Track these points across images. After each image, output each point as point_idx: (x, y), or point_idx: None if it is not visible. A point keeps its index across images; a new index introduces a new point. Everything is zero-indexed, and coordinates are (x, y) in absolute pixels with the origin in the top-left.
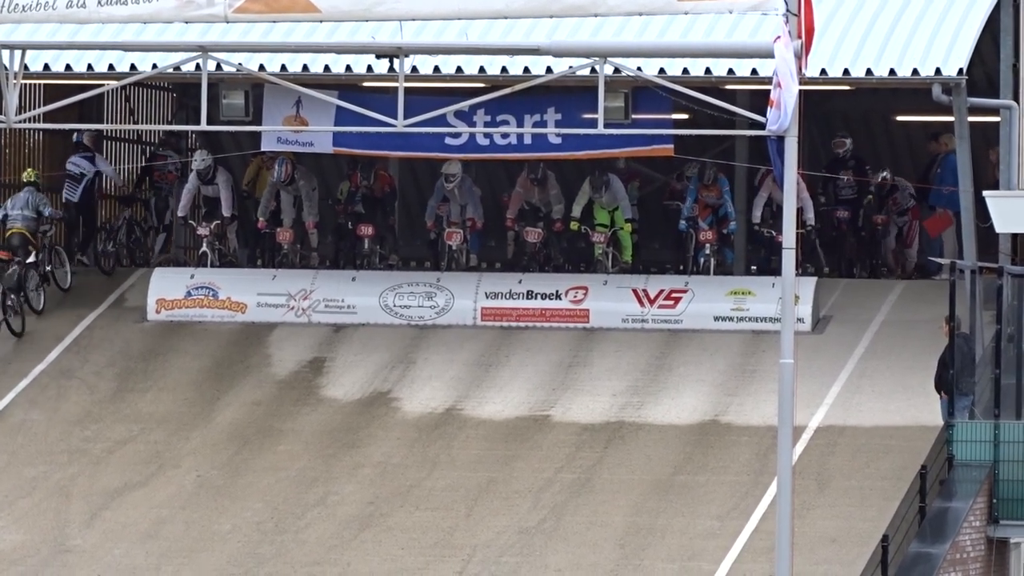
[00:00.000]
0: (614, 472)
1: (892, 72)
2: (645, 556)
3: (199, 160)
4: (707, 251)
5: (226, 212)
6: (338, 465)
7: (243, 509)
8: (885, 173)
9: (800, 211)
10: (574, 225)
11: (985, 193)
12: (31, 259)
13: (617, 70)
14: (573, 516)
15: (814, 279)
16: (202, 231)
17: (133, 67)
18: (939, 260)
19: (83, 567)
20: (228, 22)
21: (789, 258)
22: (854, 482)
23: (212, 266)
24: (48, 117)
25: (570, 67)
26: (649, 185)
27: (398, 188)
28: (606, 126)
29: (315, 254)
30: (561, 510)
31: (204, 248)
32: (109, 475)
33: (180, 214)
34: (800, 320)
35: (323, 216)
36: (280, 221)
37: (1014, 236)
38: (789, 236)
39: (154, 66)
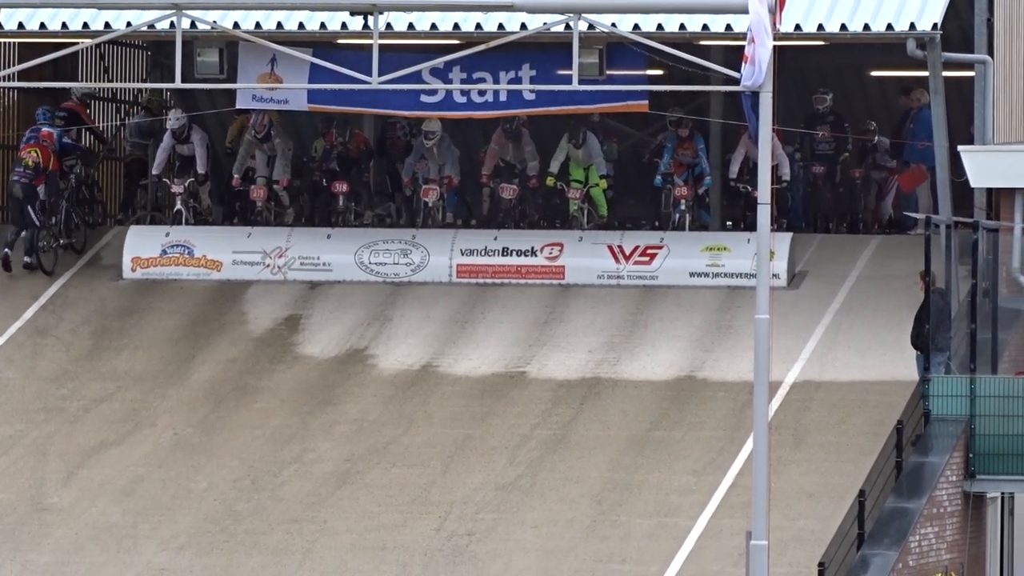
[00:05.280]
0: (590, 428)
1: (866, 27)
2: (622, 512)
3: (173, 119)
4: (683, 207)
5: (200, 170)
6: (314, 422)
7: (219, 467)
8: (872, 126)
9: (776, 167)
10: (550, 181)
11: (960, 148)
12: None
13: (591, 26)
14: (550, 472)
15: (789, 235)
16: (176, 189)
17: (107, 25)
18: (914, 215)
19: (60, 525)
20: None
21: (764, 213)
22: (830, 437)
23: (187, 224)
24: (23, 76)
25: (544, 23)
26: (626, 141)
27: (373, 147)
28: (581, 82)
29: (290, 211)
30: (537, 466)
31: (179, 206)
32: (85, 433)
33: (155, 172)
34: (775, 276)
35: (296, 174)
36: (254, 179)
37: (989, 191)
38: (764, 192)
39: (128, 24)
